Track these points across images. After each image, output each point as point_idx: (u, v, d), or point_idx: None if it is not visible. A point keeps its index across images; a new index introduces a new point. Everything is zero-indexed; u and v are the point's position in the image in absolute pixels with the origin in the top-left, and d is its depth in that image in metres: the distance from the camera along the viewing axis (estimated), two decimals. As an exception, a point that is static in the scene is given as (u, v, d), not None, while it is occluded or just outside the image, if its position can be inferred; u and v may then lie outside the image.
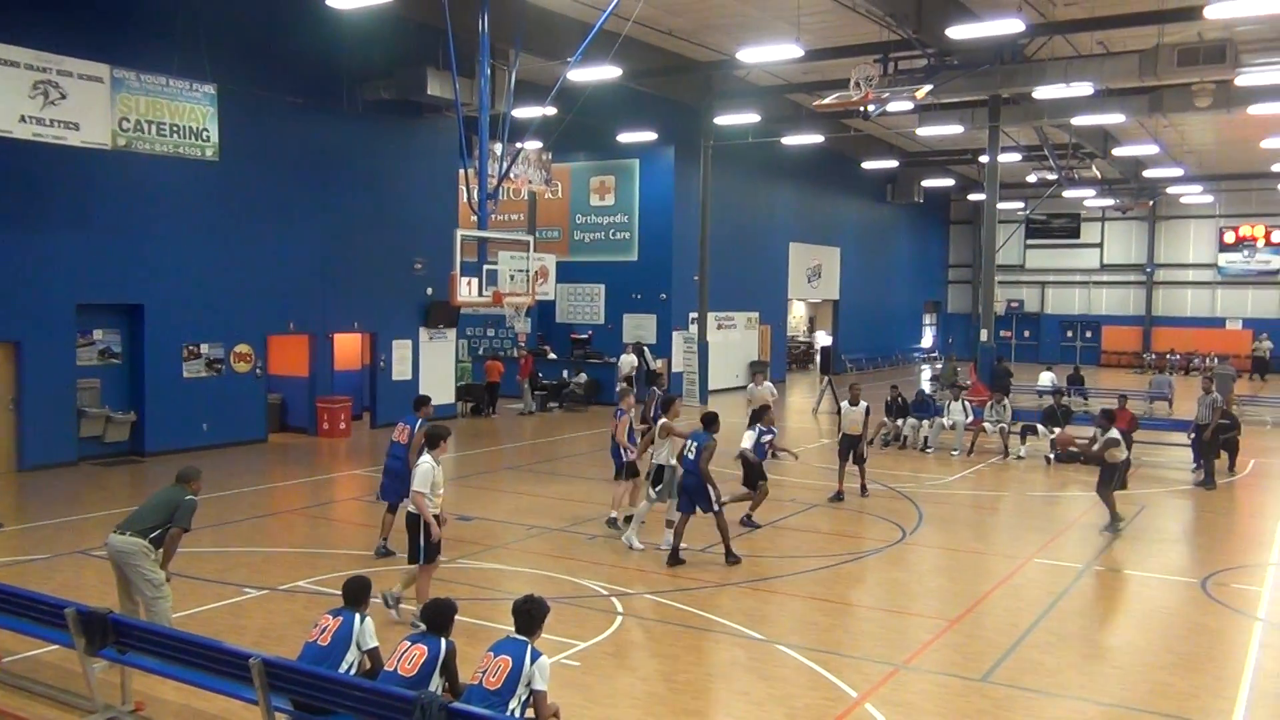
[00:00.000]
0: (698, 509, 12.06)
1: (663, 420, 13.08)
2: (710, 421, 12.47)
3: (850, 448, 16.17)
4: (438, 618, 6.39)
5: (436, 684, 6.12)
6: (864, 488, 16.42)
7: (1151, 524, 15.07)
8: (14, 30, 15.42)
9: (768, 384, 20.85)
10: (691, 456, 12.01)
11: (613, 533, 13.47)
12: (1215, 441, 18.49)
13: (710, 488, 11.93)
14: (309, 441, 21.30)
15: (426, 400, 12.80)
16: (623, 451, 13.92)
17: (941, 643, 9.58)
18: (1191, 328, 47.43)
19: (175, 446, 18.52)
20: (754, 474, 13.96)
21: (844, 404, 16.58)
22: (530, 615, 6.30)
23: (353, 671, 6.49)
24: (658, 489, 12.87)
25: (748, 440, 14.05)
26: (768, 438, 14.08)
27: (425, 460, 9.63)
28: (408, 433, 12.02)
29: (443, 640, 6.26)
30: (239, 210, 19.95)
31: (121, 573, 8.40)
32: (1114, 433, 14.45)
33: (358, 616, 6.67)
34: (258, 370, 20.58)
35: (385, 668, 6.30)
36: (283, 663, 6.45)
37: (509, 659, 5.98)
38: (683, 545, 12.08)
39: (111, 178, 17.72)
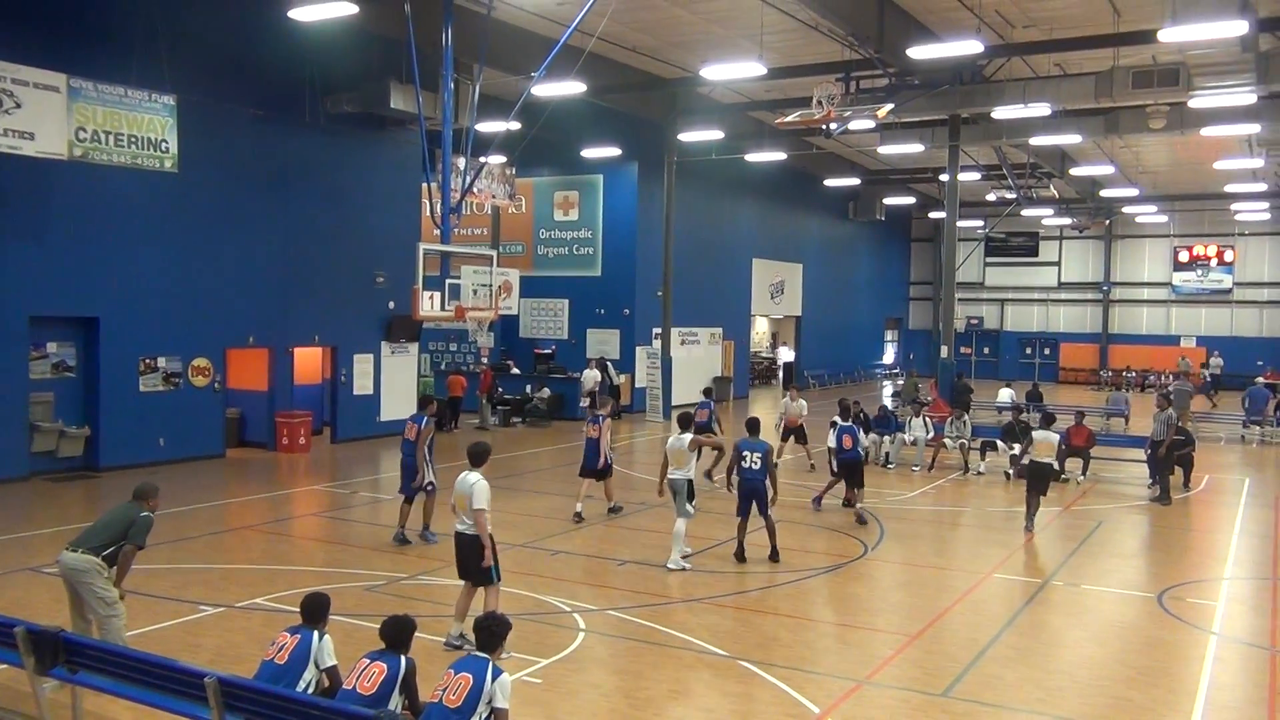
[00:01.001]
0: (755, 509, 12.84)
1: (692, 436, 13.29)
2: (756, 428, 13.47)
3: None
4: (398, 635, 6.31)
5: (396, 702, 6.05)
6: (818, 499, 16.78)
7: (1109, 539, 15.24)
8: (-32, 38, 15.19)
9: (802, 400, 21.04)
10: (758, 466, 12.73)
11: (576, 527, 13.43)
12: (1170, 457, 18.75)
13: (772, 490, 12.77)
14: (268, 457, 21.04)
15: (432, 399, 14.36)
16: (604, 455, 14.98)
17: (903, 658, 9.62)
18: (1147, 345, 48.19)
19: (131, 462, 18.23)
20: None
21: (784, 399, 17.21)
22: (492, 632, 6.25)
23: (311, 690, 6.38)
24: (693, 503, 12.98)
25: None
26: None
27: (482, 478, 9.49)
28: (416, 430, 13.32)
29: (402, 658, 6.19)
30: (198, 222, 19.73)
31: (74, 590, 8.24)
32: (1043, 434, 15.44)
33: (316, 634, 6.58)
34: (216, 384, 20.33)
35: (344, 686, 6.22)
36: (239, 681, 6.34)
37: (470, 676, 5.92)
38: (646, 561, 12.06)
39: (67, 188, 17.47)
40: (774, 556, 12.90)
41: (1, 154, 15.51)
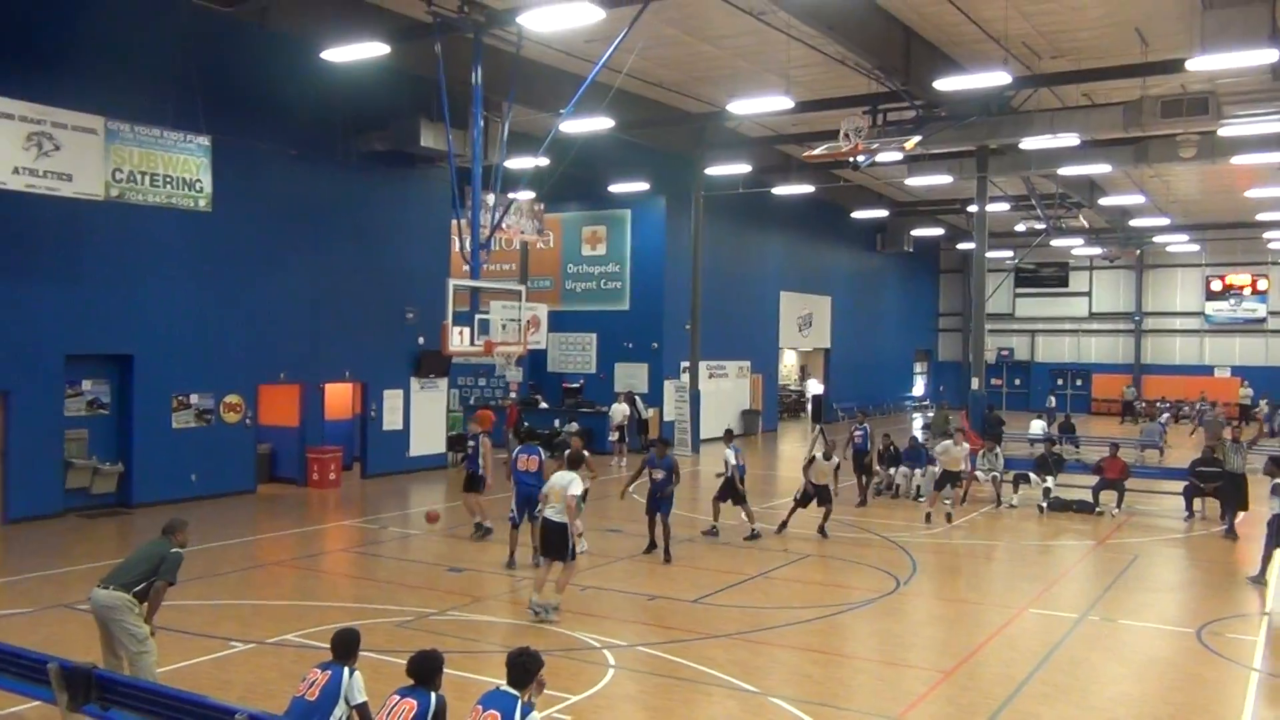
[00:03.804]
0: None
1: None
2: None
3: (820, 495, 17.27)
4: (425, 670, 6.28)
5: (426, 739, 6.02)
6: (822, 529, 17.01)
7: (1145, 573, 15.00)
8: (9, 82, 15.53)
9: (966, 446, 19.69)
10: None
11: (605, 562, 13.37)
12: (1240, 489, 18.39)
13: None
14: (298, 492, 21.14)
15: (538, 434, 15.90)
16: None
17: (936, 695, 9.47)
18: (1180, 375, 47.61)
19: (163, 498, 18.37)
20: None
21: (818, 454, 17.04)
22: (524, 668, 6.18)
23: (341, 727, 6.38)
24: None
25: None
26: None
27: (577, 478, 11.84)
28: (538, 462, 14.23)
29: (433, 694, 6.16)
30: (231, 260, 19.98)
31: (105, 627, 8.28)
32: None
33: (346, 670, 6.57)
34: (247, 420, 20.48)
35: (374, 723, 6.20)
36: (270, 718, 6.34)
37: (498, 715, 5.87)
38: (675, 596, 12.03)
39: (103, 228, 17.75)
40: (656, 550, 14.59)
41: (40, 195, 15.79)
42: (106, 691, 7.08)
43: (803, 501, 17.19)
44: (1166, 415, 39.50)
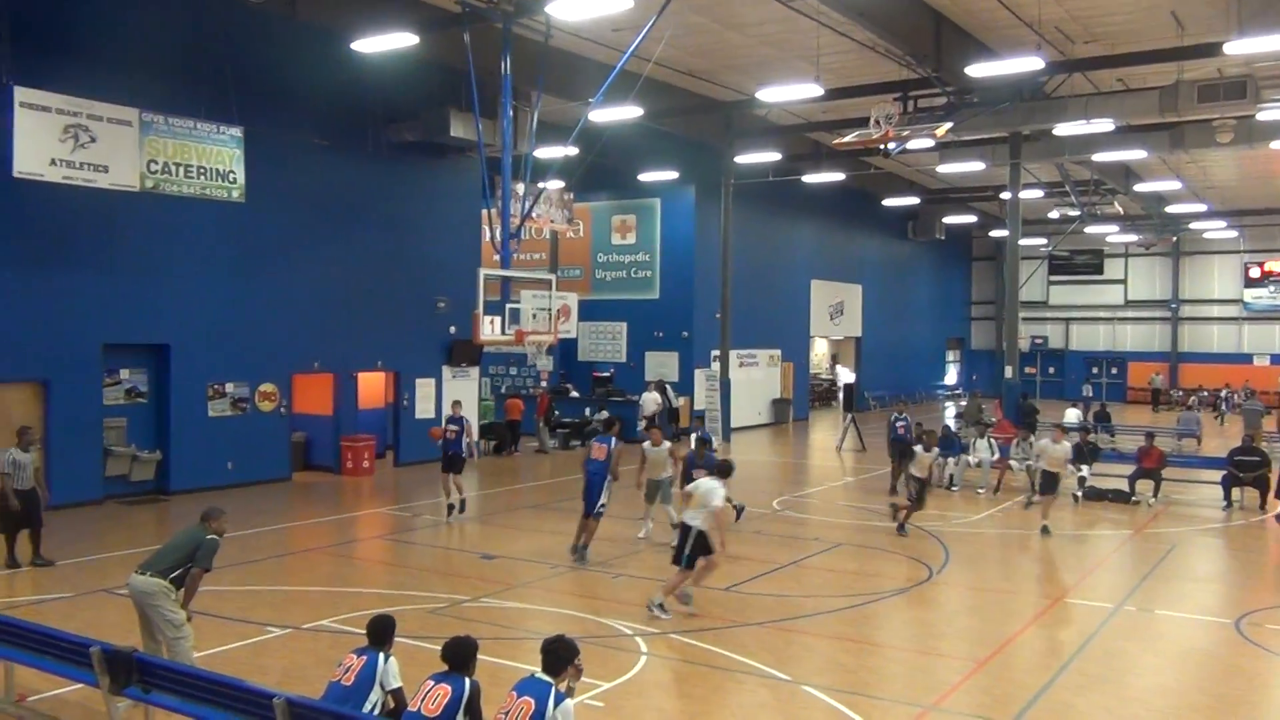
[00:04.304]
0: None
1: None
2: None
3: None
4: (460, 656, 6.32)
5: (461, 724, 6.06)
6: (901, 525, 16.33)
7: (1183, 563, 14.84)
8: (45, 75, 15.74)
9: (1065, 444, 17.89)
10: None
11: (635, 550, 13.40)
12: None
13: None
14: (333, 480, 21.34)
15: (616, 420, 15.48)
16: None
17: (970, 684, 9.43)
18: (1218, 364, 46.96)
19: (200, 485, 18.60)
20: None
21: (919, 449, 16.90)
22: (557, 655, 6.21)
23: (376, 711, 6.44)
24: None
25: None
26: None
27: (720, 485, 11.53)
28: (605, 450, 14.15)
29: (467, 680, 6.20)
30: (265, 250, 20.15)
31: (143, 613, 8.40)
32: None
33: (382, 656, 6.63)
34: (282, 409, 20.68)
35: (409, 708, 6.25)
36: (306, 702, 6.41)
37: (532, 701, 5.90)
38: (708, 585, 12.02)
39: (139, 219, 17.95)
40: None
41: (77, 187, 16.01)
42: (148, 675, 7.19)
43: (918, 501, 16.29)
44: (1194, 401, 39.09)
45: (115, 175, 16.38)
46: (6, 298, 16.55)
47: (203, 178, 17.71)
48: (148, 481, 18.61)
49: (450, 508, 16.86)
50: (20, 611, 10.37)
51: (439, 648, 6.38)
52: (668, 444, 15.57)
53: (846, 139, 22.52)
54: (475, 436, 16.45)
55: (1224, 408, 39.98)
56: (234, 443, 19.65)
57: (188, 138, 17.43)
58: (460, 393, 24.40)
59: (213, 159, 17.83)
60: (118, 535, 15.55)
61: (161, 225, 18.36)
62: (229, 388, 19.73)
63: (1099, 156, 29.42)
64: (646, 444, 15.47)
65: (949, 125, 22.50)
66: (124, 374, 18.51)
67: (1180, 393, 45.27)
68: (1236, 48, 16.92)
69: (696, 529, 11.31)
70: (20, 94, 15.09)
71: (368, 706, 6.42)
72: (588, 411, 29.15)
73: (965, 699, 9.04)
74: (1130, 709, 8.88)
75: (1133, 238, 45.15)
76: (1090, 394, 44.18)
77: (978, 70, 19.98)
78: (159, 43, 18.07)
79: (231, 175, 18.10)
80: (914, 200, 40.21)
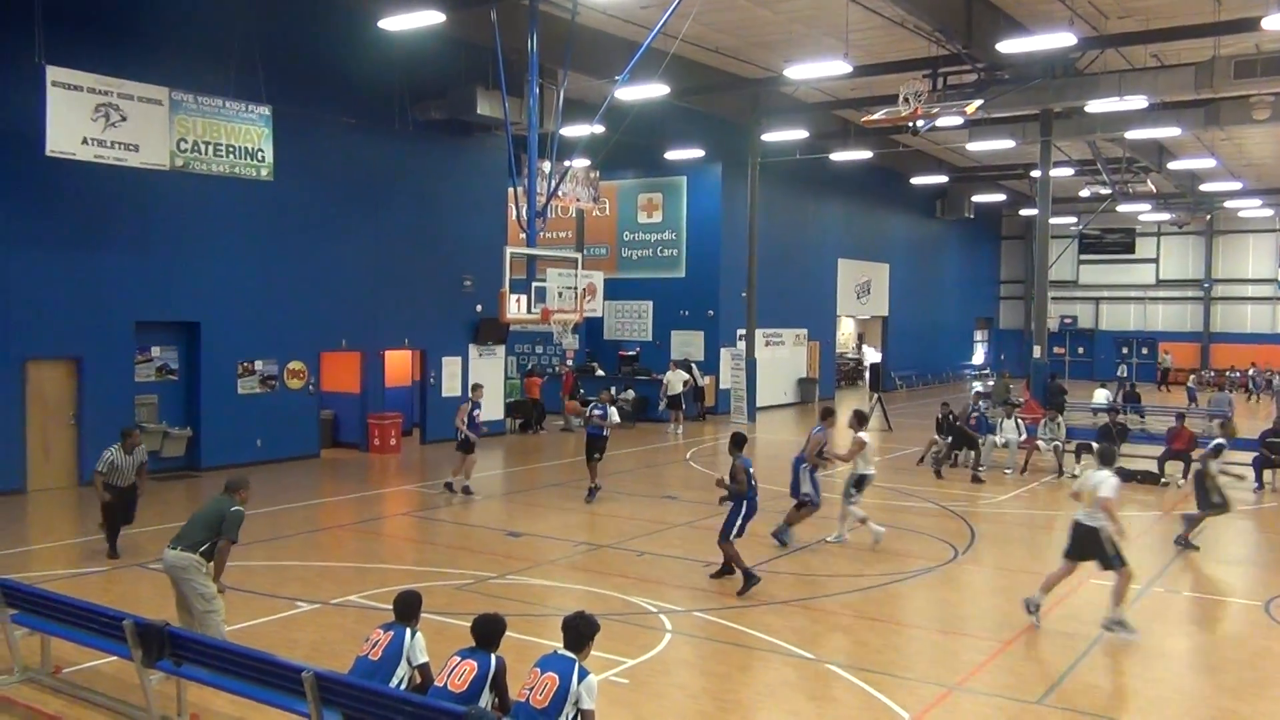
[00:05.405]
0: None
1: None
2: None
3: None
4: (488, 633, 6.39)
5: (486, 699, 6.13)
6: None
7: (1212, 545, 14.72)
8: (77, 55, 15.85)
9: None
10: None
11: (661, 529, 13.44)
12: None
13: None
14: (360, 457, 21.51)
15: (833, 410, 14.92)
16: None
17: (995, 664, 9.42)
18: (1252, 344, 46.37)
19: (230, 461, 18.78)
20: None
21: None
22: (579, 632, 6.28)
23: (403, 686, 6.51)
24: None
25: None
26: None
27: (1112, 475, 10.36)
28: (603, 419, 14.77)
29: (492, 656, 6.27)
30: (293, 229, 20.27)
31: (177, 587, 8.53)
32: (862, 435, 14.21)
33: (409, 631, 6.71)
34: (310, 387, 20.85)
35: (435, 683, 6.32)
36: (335, 676, 6.50)
37: (556, 677, 5.96)
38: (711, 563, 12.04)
39: (169, 198, 18.10)
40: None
41: (108, 166, 16.16)
42: (179, 648, 7.30)
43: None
44: (1197, 377, 38.20)
45: (146, 154, 16.51)
46: (40, 276, 16.76)
47: (232, 156, 17.82)
48: (179, 458, 18.83)
49: (448, 486, 17.35)
50: (56, 585, 10.55)
51: (465, 624, 6.45)
52: (861, 434, 14.21)
53: (875, 117, 22.30)
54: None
55: (1251, 388, 39.48)
56: (263, 420, 19.84)
57: (217, 116, 17.53)
58: (486, 371, 24.56)
59: (241, 138, 17.92)
60: (150, 511, 15.67)
61: (191, 204, 18.50)
62: (258, 365, 19.90)
63: (1132, 134, 29.00)
64: (864, 433, 14.23)
65: (979, 103, 22.23)
66: (155, 351, 18.72)
67: (1212, 373, 44.75)
68: (1275, 22, 16.61)
69: (1091, 527, 10.26)
70: (52, 73, 15.21)
71: (395, 681, 6.50)
72: (613, 390, 29.16)
73: (990, 679, 9.04)
74: (1157, 690, 8.85)
75: (1165, 216, 44.57)
76: (1125, 374, 43.73)
77: (1009, 46, 19.73)
78: (188, 22, 18.15)
79: (260, 154, 18.20)
80: (943, 179, 39.86)
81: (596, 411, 17.42)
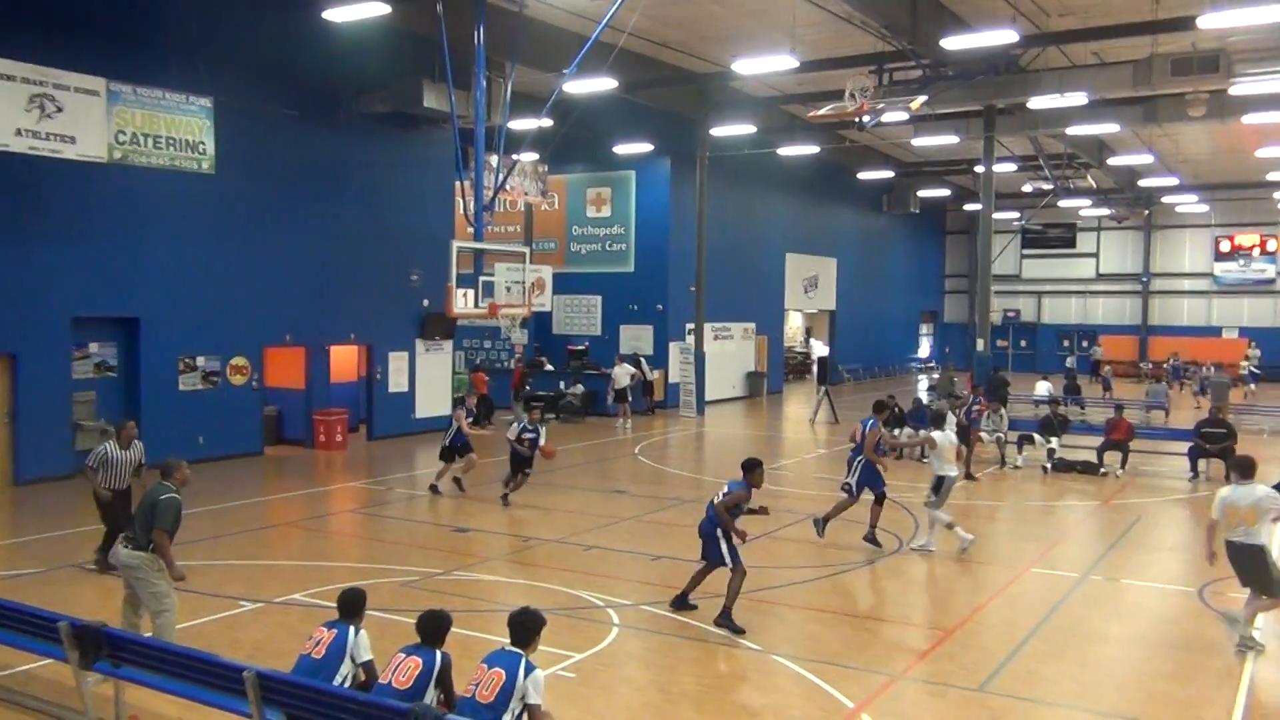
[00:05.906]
0: None
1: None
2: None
3: None
4: (433, 630, 6.36)
5: (431, 696, 6.10)
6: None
7: (1148, 533, 15.07)
8: (11, 44, 15.46)
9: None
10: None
11: (611, 522, 13.45)
12: None
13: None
14: (305, 454, 21.27)
15: (884, 404, 14.84)
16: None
17: (938, 653, 9.57)
18: (1187, 337, 47.46)
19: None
20: None
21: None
22: (525, 627, 6.28)
23: (347, 684, 6.46)
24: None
25: None
26: None
27: (1275, 492, 9.41)
28: (860, 432, 13.72)
29: (438, 652, 6.24)
30: (235, 223, 19.95)
31: (130, 587, 8.40)
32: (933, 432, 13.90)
33: (352, 629, 6.65)
34: (254, 383, 20.56)
35: (380, 680, 6.28)
36: (277, 675, 6.43)
37: (502, 672, 5.96)
38: (675, 555, 12.08)
39: (108, 190, 17.72)
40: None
41: (43, 157, 15.78)
42: (117, 649, 7.18)
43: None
44: (1111, 368, 38.87)
45: (83, 146, 16.16)
46: (-28, 270, 16.34)
47: (172, 148, 17.52)
48: (118, 455, 18.44)
49: (433, 488, 16.93)
50: (-11, 586, 10.31)
51: (411, 620, 6.41)
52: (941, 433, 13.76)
53: (821, 112, 22.48)
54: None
55: (1170, 377, 40.27)
56: (205, 417, 19.53)
57: (156, 108, 17.22)
58: (433, 366, 24.41)
59: (182, 129, 17.62)
60: (88, 510, 15.29)
61: (131, 197, 18.13)
62: (200, 361, 19.58)
63: (1072, 130, 29.57)
64: (937, 432, 13.81)
65: (924, 99, 22.54)
66: (93, 347, 18.34)
67: (1150, 365, 45.70)
68: (1210, 21, 17.01)
69: (1255, 546, 9.29)
70: (-17, 62, 14.84)
71: (338, 679, 6.44)
72: (562, 385, 29.17)
73: (933, 667, 9.17)
74: (1093, 675, 9.04)
75: (1105, 211, 45.44)
76: (1073, 365, 44.39)
77: (953, 43, 20.00)
78: (127, 10, 17.81)
79: (201, 146, 17.91)
80: (889, 174, 40.29)
81: (528, 435, 16.09)
